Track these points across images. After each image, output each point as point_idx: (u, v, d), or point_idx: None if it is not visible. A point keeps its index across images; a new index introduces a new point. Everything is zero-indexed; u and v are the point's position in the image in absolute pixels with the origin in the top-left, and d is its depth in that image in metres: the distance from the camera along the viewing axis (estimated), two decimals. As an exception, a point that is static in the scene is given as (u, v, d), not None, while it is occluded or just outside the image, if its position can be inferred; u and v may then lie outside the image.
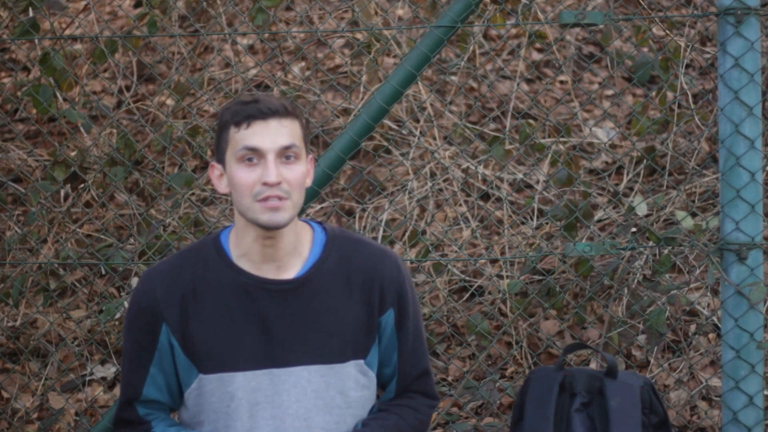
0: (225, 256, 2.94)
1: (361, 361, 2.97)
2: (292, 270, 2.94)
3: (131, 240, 4.76)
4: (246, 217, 2.88)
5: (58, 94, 4.76)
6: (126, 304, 4.41)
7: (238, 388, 2.90)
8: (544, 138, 5.00)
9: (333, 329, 2.93)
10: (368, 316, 2.97)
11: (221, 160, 2.92)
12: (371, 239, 3.09)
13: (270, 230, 2.88)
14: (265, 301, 2.91)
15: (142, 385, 2.95)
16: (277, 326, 2.90)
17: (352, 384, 2.96)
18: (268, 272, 2.92)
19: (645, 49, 4.72)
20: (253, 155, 2.84)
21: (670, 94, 4.84)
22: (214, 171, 2.94)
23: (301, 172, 2.87)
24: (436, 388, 3.16)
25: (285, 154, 2.86)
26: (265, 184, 2.83)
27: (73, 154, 4.90)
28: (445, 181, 4.97)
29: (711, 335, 4.57)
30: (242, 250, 2.92)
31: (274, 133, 2.85)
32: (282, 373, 2.91)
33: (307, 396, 2.92)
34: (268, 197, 2.83)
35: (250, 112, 2.86)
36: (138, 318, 2.94)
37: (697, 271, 4.50)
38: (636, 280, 4.51)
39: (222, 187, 2.93)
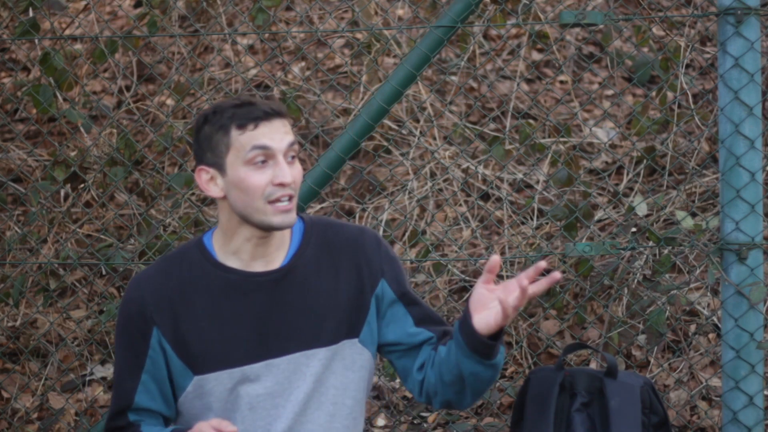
0: (210, 257, 2.93)
1: (355, 340, 2.96)
2: (277, 261, 2.94)
3: (131, 240, 4.76)
4: (251, 219, 2.86)
5: (58, 94, 4.75)
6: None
7: (237, 383, 2.91)
8: (544, 138, 4.99)
9: (324, 312, 2.93)
10: (357, 293, 2.96)
11: (215, 164, 2.88)
12: (346, 221, 3.09)
13: (270, 231, 2.89)
14: (254, 294, 2.91)
15: (134, 392, 2.93)
16: (269, 317, 2.91)
17: (348, 363, 2.95)
18: (257, 267, 2.93)
19: (645, 49, 4.72)
20: (264, 156, 2.84)
21: (670, 94, 4.84)
22: (202, 175, 2.89)
23: (301, 171, 2.91)
24: None
25: (289, 153, 2.87)
26: (280, 184, 2.83)
27: (73, 154, 4.90)
28: (445, 181, 4.97)
29: (711, 335, 4.57)
30: (231, 249, 2.92)
31: (280, 133, 2.86)
32: (280, 362, 2.91)
33: (306, 381, 2.92)
34: (279, 198, 2.84)
35: (255, 114, 2.84)
36: (128, 325, 2.93)
37: (697, 271, 4.50)
38: (636, 280, 4.50)
39: (215, 191, 2.89)
